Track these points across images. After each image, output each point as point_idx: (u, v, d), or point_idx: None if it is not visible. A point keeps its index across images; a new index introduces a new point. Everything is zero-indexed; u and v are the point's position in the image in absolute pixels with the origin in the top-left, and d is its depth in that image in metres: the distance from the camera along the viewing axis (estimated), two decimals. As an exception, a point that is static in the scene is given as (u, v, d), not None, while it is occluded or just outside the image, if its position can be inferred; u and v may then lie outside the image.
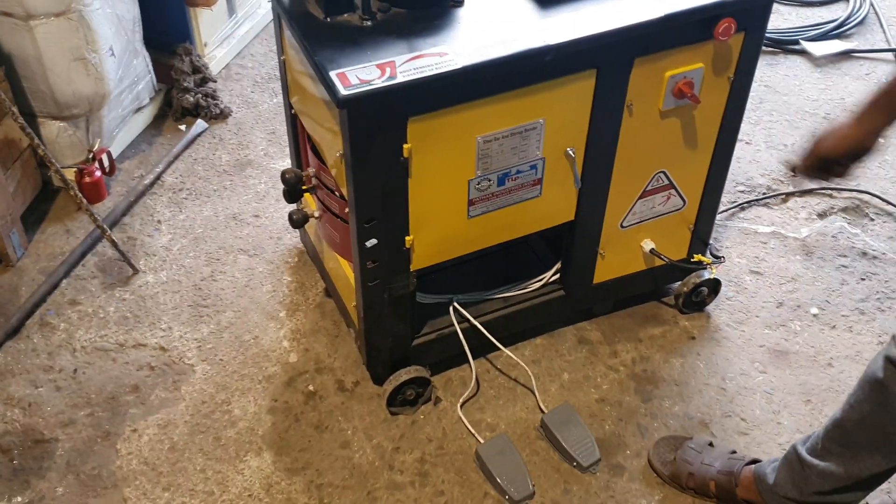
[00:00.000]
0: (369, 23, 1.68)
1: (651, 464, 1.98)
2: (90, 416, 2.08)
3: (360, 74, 1.56)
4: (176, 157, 2.85)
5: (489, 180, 1.82)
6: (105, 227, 2.40)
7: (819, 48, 3.32)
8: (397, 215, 1.78)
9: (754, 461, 1.88)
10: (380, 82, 1.55)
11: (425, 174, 1.74)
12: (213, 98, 3.02)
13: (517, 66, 1.65)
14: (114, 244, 2.40)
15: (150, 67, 2.90)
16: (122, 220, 2.61)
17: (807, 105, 3.08)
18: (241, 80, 3.19)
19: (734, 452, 1.94)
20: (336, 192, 1.92)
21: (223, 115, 3.02)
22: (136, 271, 2.45)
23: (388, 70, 1.57)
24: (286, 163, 2.76)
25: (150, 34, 2.86)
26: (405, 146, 1.67)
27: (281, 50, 2.05)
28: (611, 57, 1.76)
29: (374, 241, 1.79)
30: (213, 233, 2.58)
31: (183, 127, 2.97)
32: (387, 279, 1.88)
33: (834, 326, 2.33)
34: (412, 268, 1.89)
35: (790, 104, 3.08)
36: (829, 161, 1.59)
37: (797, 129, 2.96)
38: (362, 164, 1.67)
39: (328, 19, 1.70)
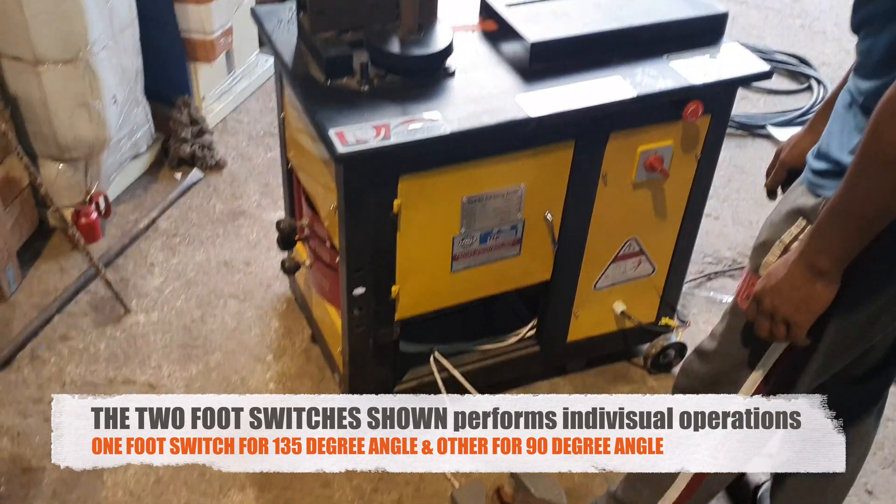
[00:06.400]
0: (367, 87, 1.77)
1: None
2: (77, 448, 2.13)
3: (357, 134, 1.64)
4: (171, 204, 2.91)
5: (472, 238, 1.92)
6: (100, 266, 2.45)
7: (784, 133, 3.45)
8: (385, 266, 1.86)
9: None
10: (375, 142, 1.63)
11: (413, 229, 1.83)
12: (209, 149, 3.08)
13: (501, 133, 1.74)
14: (108, 283, 2.46)
15: (150, 117, 2.97)
16: (116, 261, 2.67)
17: (772, 185, 3.21)
18: (236, 134, 3.28)
19: None
20: (328, 243, 2.00)
21: (218, 167, 3.09)
22: (127, 311, 2.50)
23: (382, 131, 1.66)
24: (278, 214, 2.83)
25: (151, 85, 2.94)
26: (395, 202, 1.77)
27: (281, 108, 2.14)
28: (588, 130, 1.87)
29: (361, 290, 1.87)
30: (205, 277, 2.65)
31: (178, 175, 3.04)
32: (372, 327, 1.95)
33: (792, 392, 2.43)
34: (397, 317, 1.96)
35: (756, 184, 3.19)
36: (793, 171, 1.71)
37: (762, 208, 3.08)
38: (355, 217, 1.76)
39: (328, 82, 1.77)
